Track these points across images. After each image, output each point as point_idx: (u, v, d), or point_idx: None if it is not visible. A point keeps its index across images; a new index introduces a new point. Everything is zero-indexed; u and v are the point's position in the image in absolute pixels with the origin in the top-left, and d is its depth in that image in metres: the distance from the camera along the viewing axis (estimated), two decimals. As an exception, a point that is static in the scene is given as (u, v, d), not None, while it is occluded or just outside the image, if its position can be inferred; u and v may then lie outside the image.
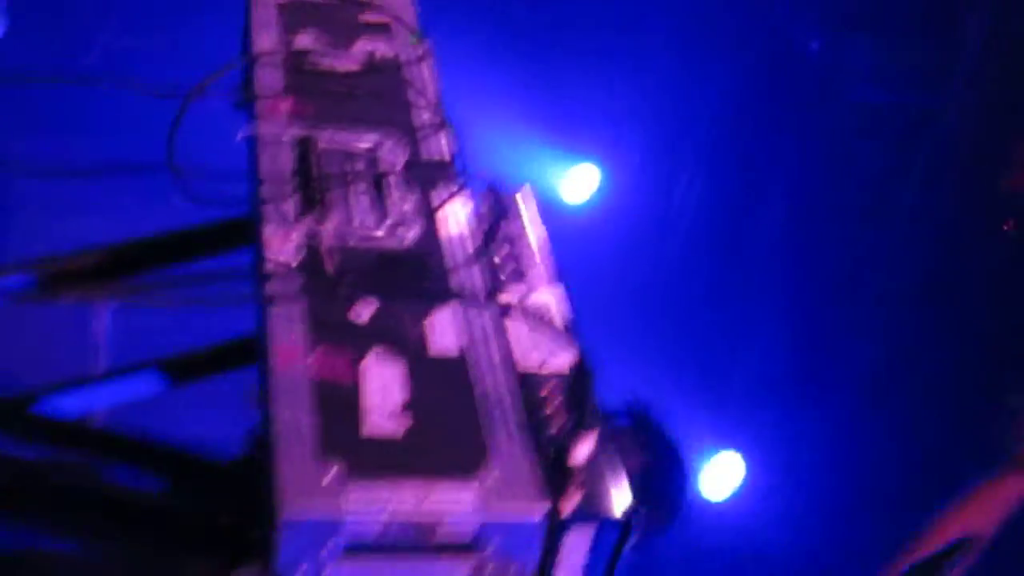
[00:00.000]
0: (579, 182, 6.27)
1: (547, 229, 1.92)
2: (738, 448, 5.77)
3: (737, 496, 5.67)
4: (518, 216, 1.92)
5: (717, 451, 5.76)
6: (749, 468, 5.71)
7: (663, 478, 2.84)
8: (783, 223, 5.90)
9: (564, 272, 1.84)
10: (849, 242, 5.61)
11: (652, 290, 5.99)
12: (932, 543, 3.25)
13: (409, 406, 1.59)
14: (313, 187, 1.84)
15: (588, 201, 6.31)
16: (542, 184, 6.18)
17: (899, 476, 5.14)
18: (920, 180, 5.35)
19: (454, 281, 1.79)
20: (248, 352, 1.94)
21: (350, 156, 1.94)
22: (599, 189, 6.29)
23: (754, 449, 5.68)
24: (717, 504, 5.67)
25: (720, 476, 5.67)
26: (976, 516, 3.33)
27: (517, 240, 1.88)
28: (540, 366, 1.67)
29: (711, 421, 5.72)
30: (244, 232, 1.96)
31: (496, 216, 1.87)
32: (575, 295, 1.79)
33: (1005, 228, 4.78)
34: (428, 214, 1.88)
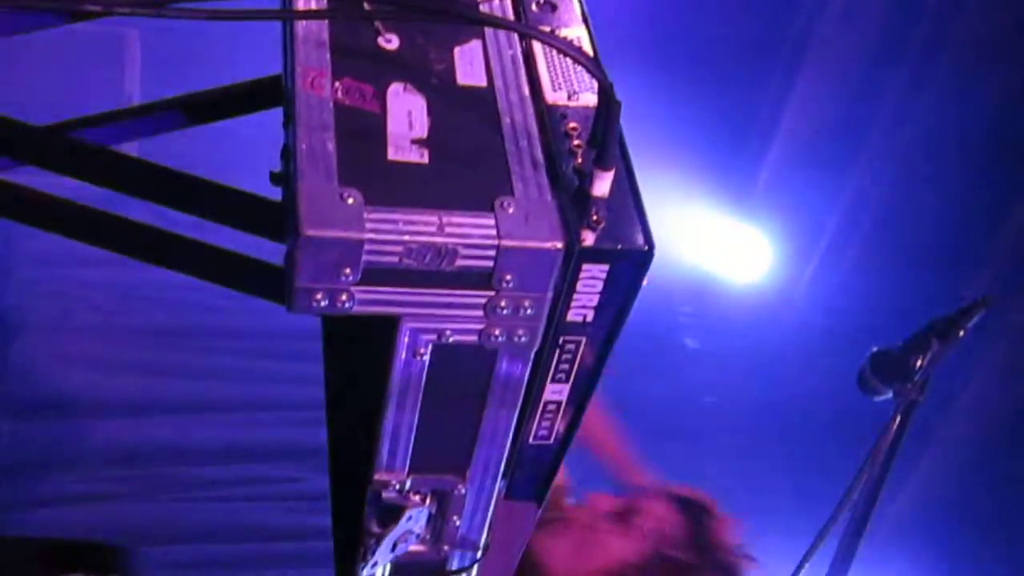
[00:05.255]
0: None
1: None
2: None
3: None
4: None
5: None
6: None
7: None
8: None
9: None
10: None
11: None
12: None
13: (433, 135, 1.57)
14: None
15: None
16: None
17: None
18: None
19: (485, 10, 1.74)
20: (274, 92, 1.91)
21: None
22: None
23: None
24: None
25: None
26: None
27: (551, -26, 1.82)
28: (568, 98, 1.64)
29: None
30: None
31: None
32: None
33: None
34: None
